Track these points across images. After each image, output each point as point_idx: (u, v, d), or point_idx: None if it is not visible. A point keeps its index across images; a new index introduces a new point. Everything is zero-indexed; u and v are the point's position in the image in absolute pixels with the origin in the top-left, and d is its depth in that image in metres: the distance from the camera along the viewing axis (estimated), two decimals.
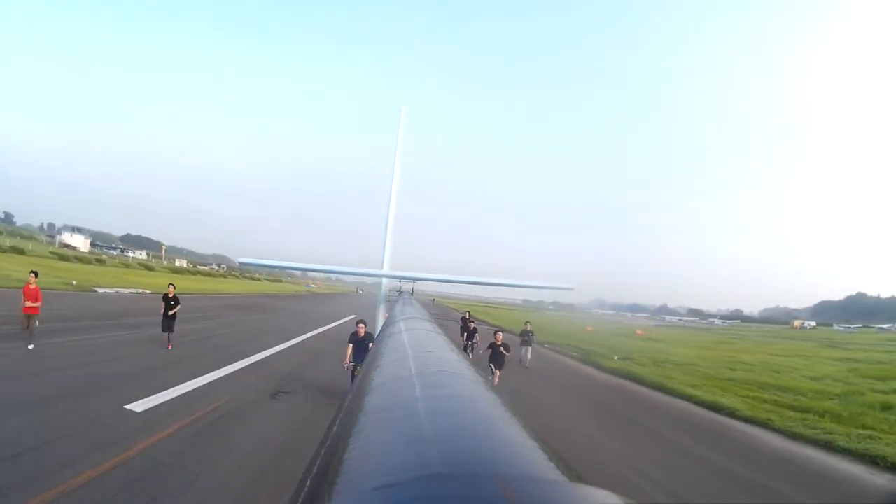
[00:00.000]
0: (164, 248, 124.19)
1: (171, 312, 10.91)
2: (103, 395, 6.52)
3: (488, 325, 33.52)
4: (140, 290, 26.07)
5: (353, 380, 7.77)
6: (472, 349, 13.46)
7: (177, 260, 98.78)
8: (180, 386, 7.41)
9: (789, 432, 9.83)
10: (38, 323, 9.28)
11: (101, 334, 11.32)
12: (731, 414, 11.20)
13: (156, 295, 24.32)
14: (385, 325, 3.49)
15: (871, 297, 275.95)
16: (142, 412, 5.99)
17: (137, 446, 4.90)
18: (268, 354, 11.63)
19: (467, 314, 17.23)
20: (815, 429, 10.02)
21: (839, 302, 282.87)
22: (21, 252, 42.81)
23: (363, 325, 7.84)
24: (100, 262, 50.66)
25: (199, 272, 67.66)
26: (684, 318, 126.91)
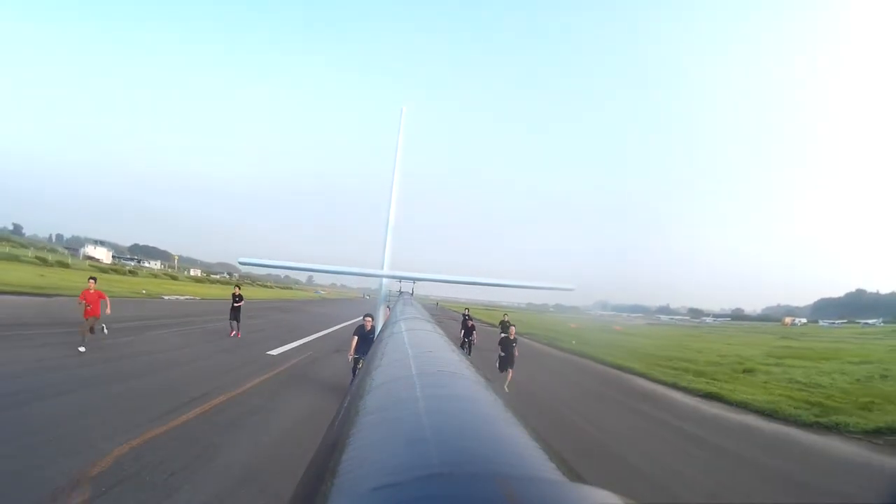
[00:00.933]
0: (176, 258, 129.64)
1: (237, 305, 15.27)
2: (248, 349, 12.24)
3: (483, 322, 39.15)
4: (191, 297, 31.90)
5: (354, 373, 8.27)
6: (470, 346, 15.17)
7: (191, 270, 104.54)
8: (283, 347, 13.16)
9: (655, 378, 15.47)
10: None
11: (207, 325, 17.04)
12: (628, 371, 16.84)
13: (206, 300, 30.21)
14: (385, 325, 3.47)
15: (871, 294, 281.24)
16: (276, 355, 11.75)
17: (286, 364, 10.63)
18: (319, 335, 17.38)
19: (467, 311, 19.07)
20: (673, 378, 15.62)
21: (839, 299, 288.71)
22: (66, 266, 48.77)
23: (370, 319, 8.20)
24: (132, 273, 56.51)
25: (217, 281, 73.55)
26: (675, 318, 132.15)
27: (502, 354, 11.28)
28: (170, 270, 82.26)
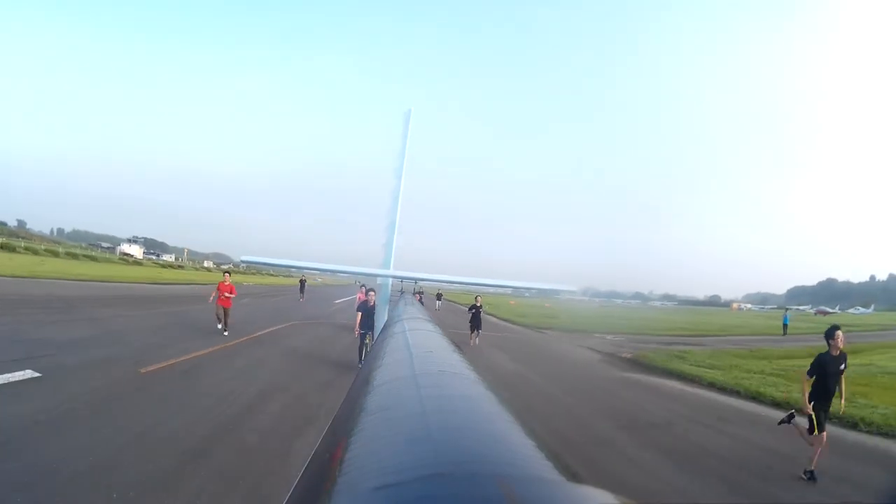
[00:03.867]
0: (186, 251, 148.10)
1: (303, 285, 35.46)
2: (324, 302, 31.97)
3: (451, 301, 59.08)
4: (254, 284, 51.44)
5: (361, 349, 9.87)
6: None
7: (205, 262, 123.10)
8: (337, 301, 32.95)
9: (498, 315, 35.36)
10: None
11: (290, 295, 36.54)
12: (504, 319, 36.68)
13: (263, 286, 49.73)
14: (386, 325, 3.61)
15: (842, 283, 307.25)
16: (336, 303, 31.62)
17: (344, 304, 30.48)
18: (345, 299, 36.99)
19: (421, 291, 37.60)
20: (508, 316, 35.46)
21: (811, 287, 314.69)
22: (139, 263, 67.80)
23: (373, 293, 8.83)
24: (180, 267, 75.60)
25: (238, 272, 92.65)
26: (629, 300, 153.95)
27: (472, 317, 15.85)
28: (191, 263, 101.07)
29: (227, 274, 13.07)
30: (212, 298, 12.54)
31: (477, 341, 15.64)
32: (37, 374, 6.62)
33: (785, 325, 34.14)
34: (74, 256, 55.61)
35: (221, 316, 12.36)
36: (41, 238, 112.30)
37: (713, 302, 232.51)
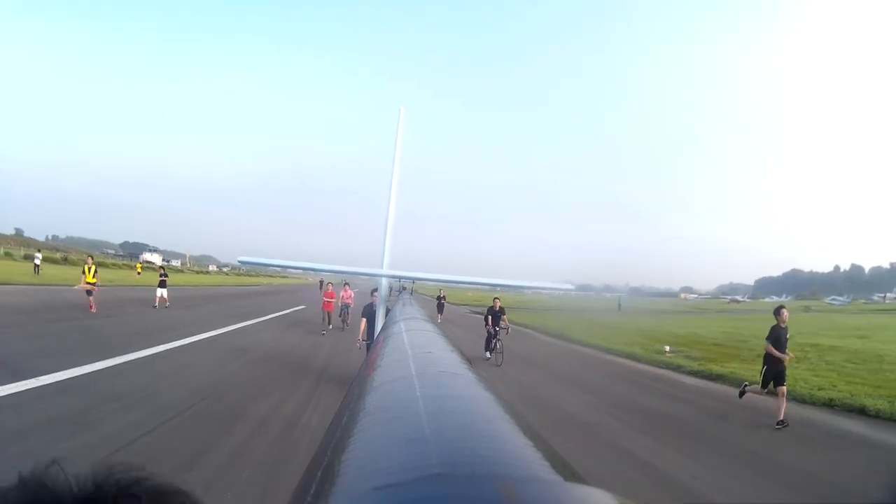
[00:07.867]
0: (187, 256, 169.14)
1: (323, 284, 58.88)
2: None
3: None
4: (278, 285, 74.71)
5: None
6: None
7: (209, 266, 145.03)
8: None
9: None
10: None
11: (312, 292, 60.19)
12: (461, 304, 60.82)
13: (286, 285, 73.06)
14: (385, 326, 3.77)
15: (807, 273, 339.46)
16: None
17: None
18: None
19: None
20: (454, 300, 59.60)
21: (777, 277, 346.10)
22: (181, 271, 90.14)
23: (376, 294, 8.98)
24: (206, 273, 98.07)
25: (241, 274, 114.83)
26: (587, 293, 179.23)
27: (437, 304, 26.20)
28: (197, 267, 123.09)
29: (329, 284, 17.07)
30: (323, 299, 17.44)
31: (439, 319, 22.58)
32: (304, 307, 30.61)
33: (620, 306, 59.26)
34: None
35: (327, 318, 15.63)
36: (44, 245, 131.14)
37: (674, 294, 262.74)
